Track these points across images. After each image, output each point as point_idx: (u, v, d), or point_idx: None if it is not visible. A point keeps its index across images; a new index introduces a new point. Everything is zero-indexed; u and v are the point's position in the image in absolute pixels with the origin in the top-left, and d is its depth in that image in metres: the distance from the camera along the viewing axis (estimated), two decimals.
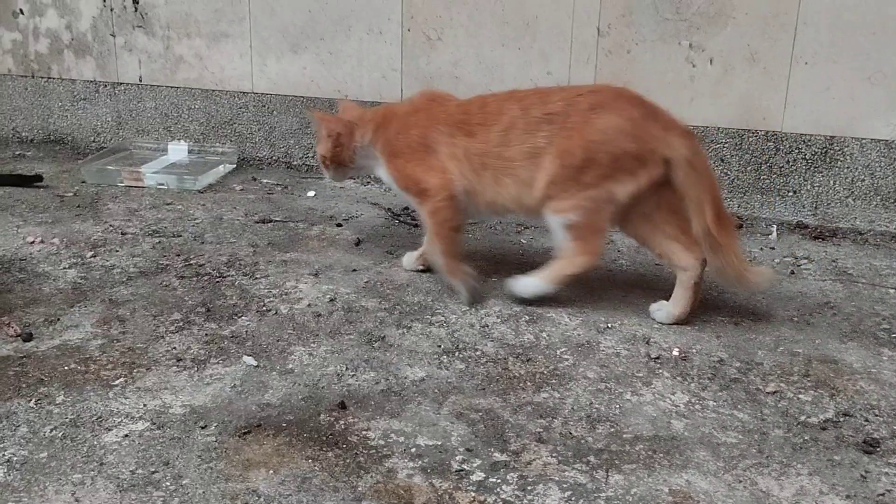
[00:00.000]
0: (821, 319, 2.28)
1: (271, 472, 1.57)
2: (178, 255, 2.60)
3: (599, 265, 2.60)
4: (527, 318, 2.23)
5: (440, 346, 2.07)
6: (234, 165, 3.58)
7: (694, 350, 2.08)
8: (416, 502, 1.50)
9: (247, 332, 2.12)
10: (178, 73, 3.66)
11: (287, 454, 1.63)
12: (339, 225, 2.93)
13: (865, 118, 2.91)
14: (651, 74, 3.08)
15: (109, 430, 1.69)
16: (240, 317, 2.20)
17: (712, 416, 1.80)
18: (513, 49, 3.20)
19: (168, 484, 1.53)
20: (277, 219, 2.97)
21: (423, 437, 1.70)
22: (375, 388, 1.88)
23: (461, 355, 2.03)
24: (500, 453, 1.65)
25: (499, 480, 1.57)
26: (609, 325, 2.21)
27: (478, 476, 1.58)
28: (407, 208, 3.11)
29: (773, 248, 2.80)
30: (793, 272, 2.60)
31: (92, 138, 3.86)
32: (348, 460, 1.61)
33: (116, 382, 1.87)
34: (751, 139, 3.04)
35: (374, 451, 1.65)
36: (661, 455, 1.66)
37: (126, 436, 1.67)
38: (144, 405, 1.78)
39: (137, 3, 3.62)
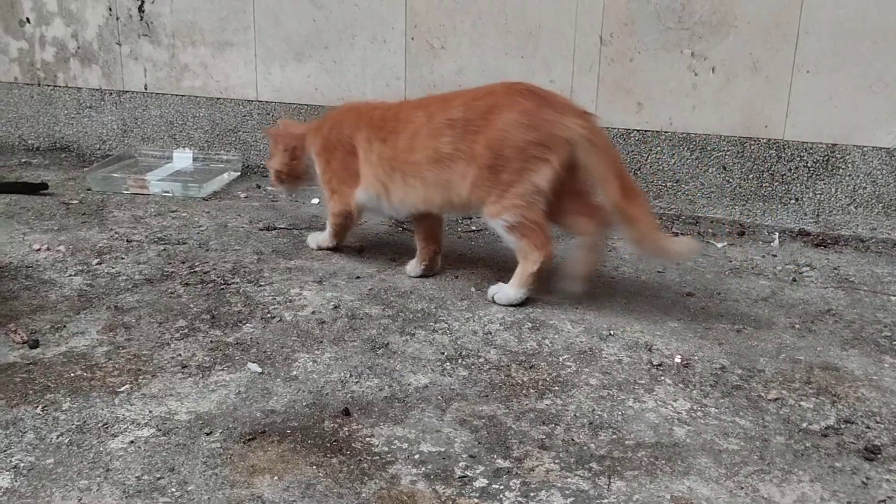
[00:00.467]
0: (822, 327, 2.29)
1: (276, 478, 1.59)
2: (183, 263, 2.61)
3: (601, 272, 2.62)
4: (529, 325, 2.25)
5: (443, 353, 2.08)
6: (239, 173, 3.60)
7: (696, 357, 2.09)
8: None
9: (251, 339, 2.14)
10: (184, 82, 3.69)
11: (291, 460, 1.64)
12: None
13: (867, 126, 2.92)
14: (653, 83, 3.09)
15: (115, 436, 1.70)
16: (244, 324, 2.22)
17: (714, 422, 1.81)
18: (516, 58, 3.22)
19: (174, 490, 1.54)
20: (282, 226, 2.98)
21: (427, 443, 1.71)
22: (379, 395, 1.89)
23: (464, 362, 2.04)
24: (503, 460, 1.66)
25: (502, 487, 1.58)
26: (611, 332, 2.22)
27: (481, 482, 1.59)
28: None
29: (776, 256, 2.81)
30: (795, 279, 2.61)
31: (97, 146, 3.88)
32: (352, 467, 1.63)
33: (122, 389, 1.88)
34: (753, 147, 3.05)
35: (377, 457, 1.66)
36: (663, 462, 1.67)
37: (132, 442, 1.68)
38: (150, 412, 1.79)
39: (143, 12, 3.65)
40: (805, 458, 1.69)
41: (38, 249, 2.68)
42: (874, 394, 1.94)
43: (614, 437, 1.75)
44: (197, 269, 2.57)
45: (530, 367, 2.03)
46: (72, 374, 1.94)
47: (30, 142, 3.97)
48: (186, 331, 2.17)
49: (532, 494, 1.56)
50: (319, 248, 2.74)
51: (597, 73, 3.15)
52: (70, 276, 2.49)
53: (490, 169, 2.26)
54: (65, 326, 2.18)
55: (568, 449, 1.70)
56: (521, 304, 2.35)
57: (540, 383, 1.96)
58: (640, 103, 3.13)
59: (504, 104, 2.28)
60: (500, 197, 2.27)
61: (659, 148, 3.15)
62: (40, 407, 1.80)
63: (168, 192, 3.32)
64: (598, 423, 1.80)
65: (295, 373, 1.98)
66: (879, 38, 2.84)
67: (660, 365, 2.05)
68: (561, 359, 2.07)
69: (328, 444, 1.70)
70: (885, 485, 1.61)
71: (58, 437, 1.70)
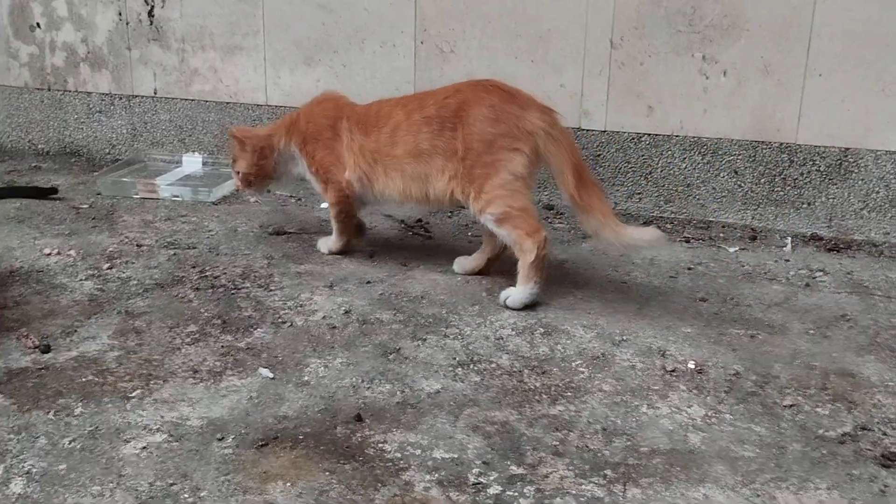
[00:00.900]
0: (837, 332, 2.27)
1: (289, 484, 1.58)
2: (194, 267, 2.61)
3: (614, 277, 2.60)
4: (541, 330, 2.23)
5: (455, 359, 2.07)
6: None
7: (710, 363, 2.08)
8: None
9: (262, 344, 2.13)
10: (193, 86, 3.69)
11: (304, 467, 1.63)
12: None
13: (880, 130, 2.90)
14: (664, 86, 3.08)
15: (128, 441, 1.70)
16: (255, 329, 2.21)
17: (729, 429, 1.80)
18: (526, 62, 3.21)
19: (186, 496, 1.53)
20: (292, 230, 2.98)
21: (440, 449, 1.70)
22: (391, 401, 1.88)
23: (476, 368, 2.03)
24: (517, 466, 1.65)
25: (516, 494, 1.56)
26: (624, 337, 2.21)
27: (495, 489, 1.58)
28: (420, 220, 3.12)
29: (788, 261, 2.80)
30: (808, 284, 2.60)
31: (107, 150, 3.89)
32: (365, 473, 1.62)
33: (134, 394, 1.88)
34: (764, 151, 3.04)
35: (390, 463, 1.65)
36: (679, 469, 1.65)
37: (144, 448, 1.68)
38: (162, 417, 1.79)
39: (153, 16, 3.65)
40: (822, 465, 1.68)
41: (49, 254, 2.68)
42: (890, 400, 1.92)
43: (628, 443, 1.74)
44: (207, 273, 2.57)
45: (543, 373, 2.01)
46: (83, 379, 1.93)
47: (40, 146, 3.98)
48: (197, 336, 2.16)
49: (547, 502, 1.54)
50: (331, 253, 2.74)
51: (607, 77, 3.14)
52: (81, 280, 2.49)
53: (463, 162, 2.37)
54: (76, 331, 2.17)
55: (582, 455, 1.69)
56: (533, 306, 2.34)
57: (553, 389, 1.94)
58: (650, 107, 3.12)
59: (471, 101, 2.39)
60: (479, 191, 2.36)
61: (670, 152, 3.14)
62: (52, 412, 1.79)
63: (178, 196, 3.32)
64: (612, 430, 1.78)
65: (306, 378, 1.97)
66: (892, 41, 2.82)
67: (673, 371, 2.04)
68: (574, 364, 2.06)
69: (341, 450, 1.69)
70: None
71: (70, 442, 1.69)
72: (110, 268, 2.59)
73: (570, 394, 1.92)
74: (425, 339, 2.17)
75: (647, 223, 2.89)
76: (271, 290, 2.45)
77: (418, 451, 1.69)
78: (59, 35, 3.81)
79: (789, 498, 1.57)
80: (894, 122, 2.88)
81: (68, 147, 3.94)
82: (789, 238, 2.99)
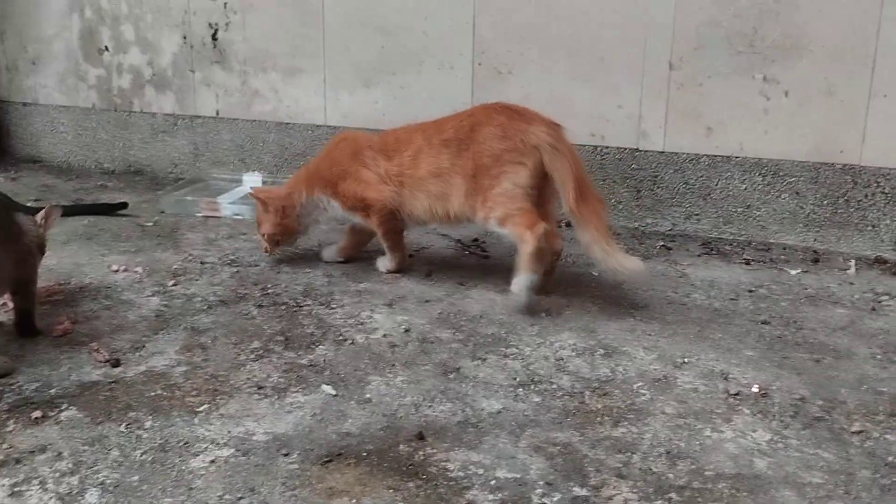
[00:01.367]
0: None
1: (354, 501, 1.59)
2: (256, 285, 2.66)
3: (673, 298, 2.59)
4: (601, 351, 2.23)
5: (515, 379, 2.08)
6: None
7: (774, 387, 2.05)
8: None
9: (325, 361, 2.16)
10: (254, 107, 3.77)
11: (369, 483, 1.65)
12: (410, 256, 2.96)
13: None
14: (724, 107, 3.06)
15: (196, 455, 1.73)
16: (317, 346, 2.24)
17: (796, 454, 1.77)
18: (583, 83, 3.22)
19: None
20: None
21: (502, 469, 1.70)
22: (452, 420, 1.89)
23: (537, 388, 2.04)
24: (580, 488, 1.65)
25: None
26: (685, 359, 2.19)
27: None
28: (476, 239, 3.14)
29: (852, 284, 2.75)
30: (874, 308, 2.55)
31: (170, 169, 3.98)
32: (429, 491, 1.63)
33: (201, 409, 1.92)
34: (827, 172, 3.00)
35: (453, 482, 1.66)
36: (745, 494, 1.63)
37: (212, 461, 1.71)
38: (229, 432, 1.82)
39: (216, 39, 3.75)
40: (892, 492, 1.64)
41: (117, 270, 2.75)
42: None
43: (693, 467, 1.72)
44: (269, 291, 2.61)
45: (604, 395, 2.01)
46: (152, 393, 1.98)
47: (105, 165, 4.10)
48: (261, 352, 2.20)
49: None
50: (389, 272, 2.77)
51: (666, 98, 3.13)
52: (147, 296, 2.56)
53: (474, 178, 2.52)
54: (144, 346, 2.23)
55: (646, 478, 1.68)
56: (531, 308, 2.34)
57: (614, 411, 1.94)
58: (709, 128, 3.10)
59: (483, 121, 2.55)
60: (484, 200, 2.50)
61: (729, 173, 3.12)
62: (124, 425, 1.84)
63: (239, 215, 3.39)
64: (676, 453, 1.77)
65: (368, 395, 1.99)
66: None
67: (737, 394, 2.01)
68: (635, 386, 2.05)
69: (404, 468, 1.70)
70: None
71: (141, 454, 1.73)
72: (175, 284, 2.65)
73: (632, 416, 1.91)
74: (485, 359, 2.18)
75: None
76: (332, 308, 2.48)
77: (481, 471, 1.70)
78: (126, 58, 3.93)
79: None
80: None
81: (133, 166, 4.05)
82: (853, 261, 2.94)
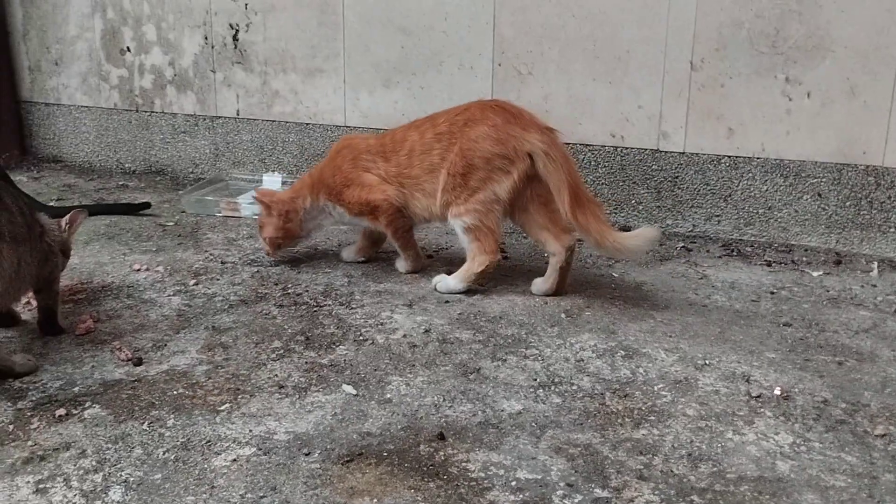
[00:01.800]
0: None
1: (375, 500, 1.60)
2: (276, 285, 2.67)
3: (694, 300, 2.58)
4: (622, 353, 2.22)
5: (535, 380, 2.08)
6: None
7: (796, 389, 2.04)
8: None
9: (345, 360, 2.17)
10: (274, 107, 3.78)
11: (390, 483, 1.65)
12: (429, 256, 2.97)
13: None
14: (745, 108, 3.05)
15: (218, 454, 1.74)
16: (338, 346, 2.25)
17: (819, 458, 1.76)
18: (603, 83, 3.21)
19: None
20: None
21: (523, 470, 1.70)
22: (473, 420, 1.89)
23: (557, 389, 2.03)
24: (601, 489, 1.64)
25: None
26: (707, 361, 2.18)
27: None
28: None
29: (875, 286, 2.72)
30: None
31: (190, 169, 4.01)
32: (450, 492, 1.63)
33: (223, 408, 1.93)
34: (850, 174, 2.97)
35: (474, 483, 1.66)
36: (767, 497, 1.62)
37: (234, 460, 1.72)
38: (250, 431, 1.83)
39: (237, 40, 3.77)
40: None
41: (138, 269, 2.77)
42: None
43: (714, 469, 1.71)
44: (290, 290, 2.62)
45: (625, 396, 2.00)
46: (174, 392, 1.99)
47: (126, 165, 4.13)
48: (282, 351, 2.21)
49: None
50: (408, 272, 2.77)
51: (686, 99, 3.12)
52: (169, 296, 2.57)
53: (461, 176, 2.51)
54: (165, 345, 2.24)
55: (667, 480, 1.67)
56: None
57: (635, 412, 1.93)
58: (731, 129, 3.09)
59: (478, 118, 2.54)
60: (466, 200, 2.51)
61: (751, 174, 3.10)
62: (146, 423, 1.85)
63: (258, 215, 3.40)
64: (698, 455, 1.76)
65: (388, 395, 1.99)
66: None
67: (759, 396, 2.00)
68: (656, 388, 2.04)
69: (425, 468, 1.70)
70: None
71: (164, 452, 1.74)
72: (196, 284, 2.67)
73: (653, 418, 1.91)
74: (505, 360, 2.18)
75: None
76: (352, 308, 2.49)
77: (501, 472, 1.70)
78: (148, 58, 3.96)
79: None
80: None
81: (154, 166, 4.08)
82: (876, 263, 2.92)
